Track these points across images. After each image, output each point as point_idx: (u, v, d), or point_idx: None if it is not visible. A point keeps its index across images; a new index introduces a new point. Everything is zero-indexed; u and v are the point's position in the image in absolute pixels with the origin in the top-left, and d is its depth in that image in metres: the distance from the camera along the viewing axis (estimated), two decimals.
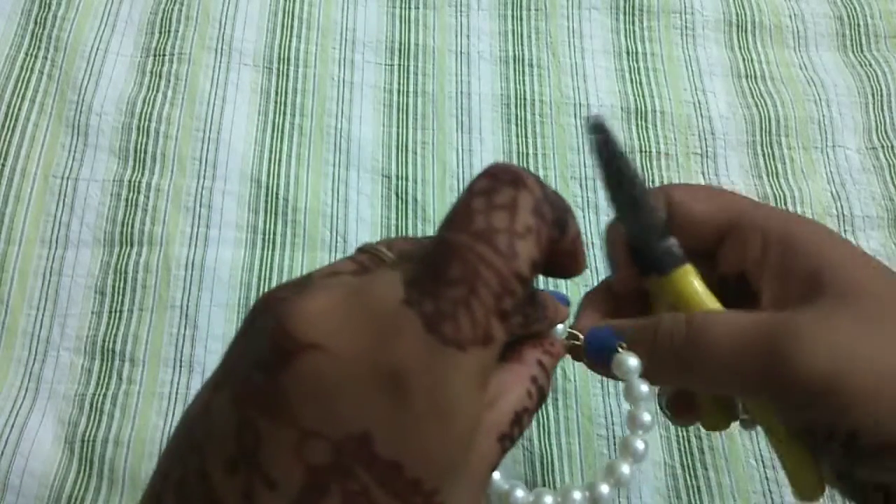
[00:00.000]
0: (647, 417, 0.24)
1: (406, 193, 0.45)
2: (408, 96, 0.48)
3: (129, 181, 0.44)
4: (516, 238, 0.17)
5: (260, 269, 0.42)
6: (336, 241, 0.43)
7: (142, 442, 0.38)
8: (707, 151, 0.47)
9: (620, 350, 0.24)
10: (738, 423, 0.26)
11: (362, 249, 0.21)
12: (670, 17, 0.52)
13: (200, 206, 0.43)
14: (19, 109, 0.45)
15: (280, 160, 0.45)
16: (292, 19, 0.50)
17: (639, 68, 0.50)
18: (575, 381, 0.40)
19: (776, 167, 0.47)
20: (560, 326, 0.24)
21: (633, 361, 0.23)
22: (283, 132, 0.46)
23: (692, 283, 0.24)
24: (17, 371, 0.39)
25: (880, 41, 0.52)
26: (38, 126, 0.45)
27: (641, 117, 0.48)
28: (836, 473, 0.22)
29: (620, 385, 0.40)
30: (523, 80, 0.49)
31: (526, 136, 0.47)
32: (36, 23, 0.48)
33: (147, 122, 0.46)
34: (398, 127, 0.47)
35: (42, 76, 0.47)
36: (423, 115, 0.48)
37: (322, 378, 0.16)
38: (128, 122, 0.46)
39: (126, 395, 0.39)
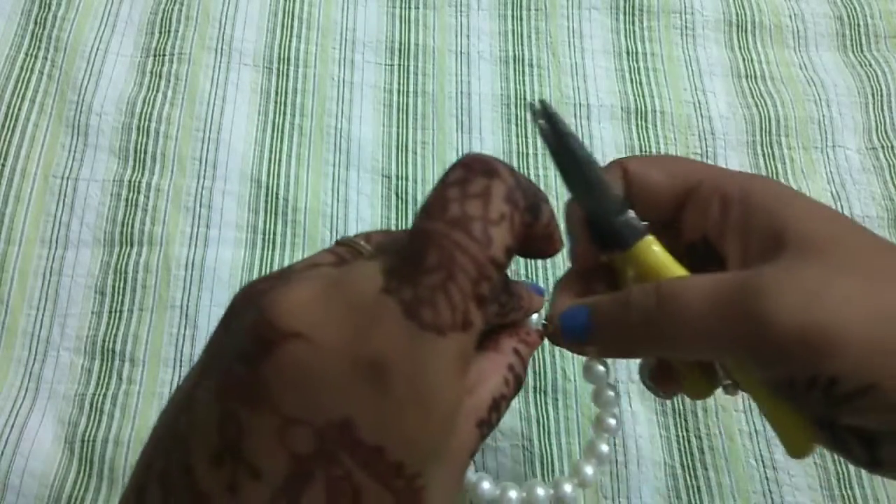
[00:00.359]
0: (612, 422, 0.24)
1: (406, 193, 0.45)
2: (408, 96, 0.48)
3: (129, 181, 0.44)
4: (490, 225, 0.17)
5: (260, 269, 0.42)
6: (335, 242, 0.43)
7: (142, 442, 0.38)
8: (707, 151, 0.47)
9: (589, 358, 0.24)
10: (723, 391, 0.26)
11: (340, 242, 0.22)
12: (670, 17, 0.52)
13: (200, 206, 0.43)
14: (19, 109, 0.45)
15: (280, 160, 0.45)
16: (292, 19, 0.50)
17: (639, 68, 0.50)
18: (575, 381, 0.40)
19: (776, 167, 0.47)
20: (535, 316, 0.24)
21: (600, 368, 0.24)
22: (283, 132, 0.46)
23: (655, 252, 0.24)
24: (17, 371, 0.39)
25: (880, 41, 0.52)
26: (38, 126, 0.45)
27: (641, 117, 0.48)
28: (819, 424, 0.22)
29: (616, 385, 0.40)
30: (523, 80, 0.49)
31: (526, 136, 0.47)
32: (36, 23, 0.48)
33: (147, 122, 0.46)
34: (398, 127, 0.47)
35: (42, 76, 0.47)
36: (423, 115, 0.48)
37: (304, 367, 0.16)
38: (128, 122, 0.46)
39: (126, 395, 0.39)
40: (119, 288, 0.41)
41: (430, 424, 0.16)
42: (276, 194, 0.44)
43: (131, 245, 0.42)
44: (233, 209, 0.44)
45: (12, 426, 0.37)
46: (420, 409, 0.16)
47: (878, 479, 0.38)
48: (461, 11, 0.52)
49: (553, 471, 0.38)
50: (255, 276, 0.42)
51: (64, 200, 0.43)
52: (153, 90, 0.47)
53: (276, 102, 0.47)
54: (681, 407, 0.40)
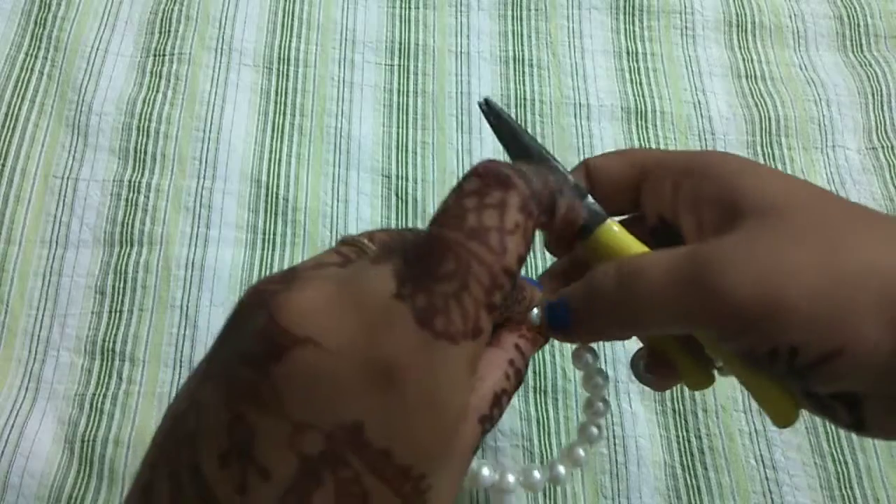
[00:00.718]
0: (601, 405, 0.26)
1: (406, 193, 0.45)
2: (408, 96, 0.48)
3: (129, 181, 0.44)
4: (506, 235, 0.18)
5: (260, 269, 0.42)
6: (336, 241, 0.43)
7: (142, 442, 0.38)
8: None
9: (579, 346, 0.25)
10: (721, 377, 0.26)
11: (345, 241, 0.22)
12: (670, 17, 0.52)
13: (200, 206, 0.43)
14: (19, 109, 0.45)
15: (280, 160, 0.45)
16: (292, 19, 0.50)
17: (639, 68, 0.50)
18: (575, 381, 0.40)
19: (776, 167, 0.47)
20: (535, 311, 0.25)
21: (588, 355, 0.25)
22: (283, 132, 0.46)
23: (616, 234, 0.24)
24: (17, 371, 0.39)
25: (880, 41, 0.52)
26: (38, 126, 0.45)
27: (641, 117, 0.48)
28: (801, 391, 0.22)
29: (615, 387, 0.40)
30: (523, 80, 0.49)
31: None
32: (36, 23, 0.48)
33: (147, 122, 0.46)
34: (398, 127, 0.47)
35: (42, 76, 0.47)
36: (423, 115, 0.48)
37: (315, 372, 0.16)
38: (128, 122, 0.46)
39: (126, 395, 0.39)
40: (119, 288, 0.41)
41: (439, 429, 0.17)
42: (276, 194, 0.44)
43: (131, 245, 0.42)
44: (233, 209, 0.44)
45: (12, 426, 0.37)
46: (430, 414, 0.16)
47: (878, 479, 0.38)
48: (461, 11, 0.52)
49: None
50: (255, 276, 0.42)
51: (64, 200, 0.43)
52: (153, 90, 0.47)
53: (276, 102, 0.47)
54: (681, 407, 0.40)
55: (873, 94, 0.50)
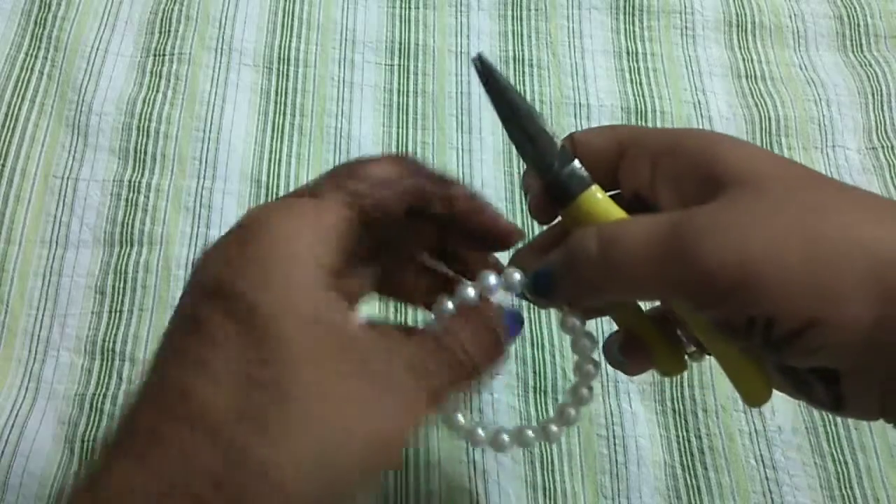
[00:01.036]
0: (590, 367, 0.26)
1: None
2: (408, 96, 0.48)
3: (129, 181, 0.44)
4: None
5: None
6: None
7: None
8: None
9: (565, 310, 0.26)
10: (699, 367, 0.27)
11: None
12: (670, 17, 0.52)
13: (200, 206, 0.43)
14: (19, 109, 0.45)
15: (280, 160, 0.45)
16: (292, 19, 0.50)
17: (639, 68, 0.50)
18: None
19: None
20: (518, 276, 0.25)
21: (575, 321, 0.26)
22: (283, 132, 0.46)
23: (599, 200, 0.24)
24: (17, 371, 0.39)
25: (880, 41, 0.52)
26: (38, 126, 0.45)
27: (641, 117, 0.48)
28: (779, 369, 0.22)
29: (615, 387, 0.40)
30: (523, 80, 0.49)
31: None
32: (36, 23, 0.48)
33: (147, 122, 0.46)
34: (398, 127, 0.47)
35: (42, 76, 0.47)
36: (423, 115, 0.48)
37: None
38: (128, 122, 0.46)
39: (126, 396, 0.39)
40: (119, 288, 0.41)
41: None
42: (276, 194, 0.44)
43: (131, 245, 0.42)
44: (233, 209, 0.44)
45: (12, 426, 0.37)
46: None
47: (878, 479, 0.38)
48: (461, 11, 0.52)
49: (553, 471, 0.38)
50: None
51: (64, 200, 0.43)
52: (153, 90, 0.47)
53: (276, 102, 0.47)
54: (681, 407, 0.40)
55: (873, 94, 0.50)
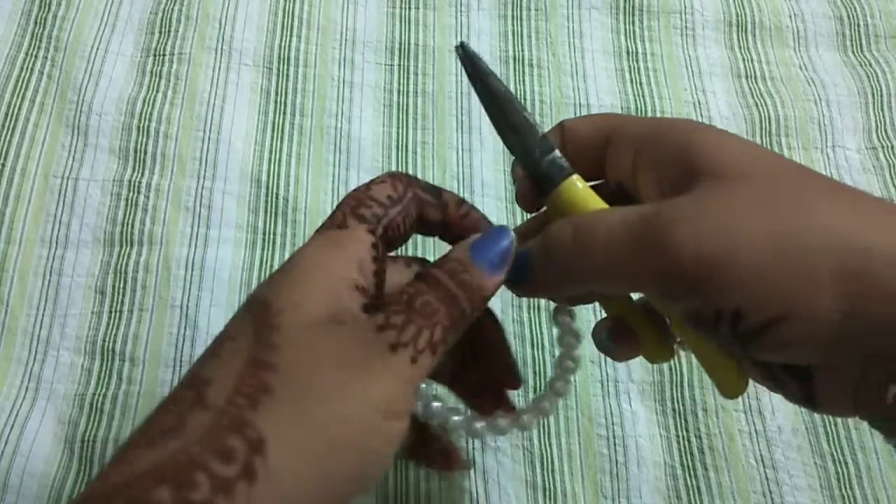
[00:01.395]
0: (570, 363, 0.27)
1: None
2: (408, 96, 0.48)
3: (129, 181, 0.44)
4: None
5: (260, 269, 0.42)
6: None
7: None
8: None
9: (558, 305, 0.26)
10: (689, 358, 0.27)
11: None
12: (670, 17, 0.52)
13: (200, 206, 0.43)
14: (19, 109, 0.45)
15: (280, 160, 0.45)
16: (292, 19, 0.50)
17: (639, 68, 0.50)
18: (575, 381, 0.40)
19: None
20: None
21: (567, 317, 0.26)
22: (283, 132, 0.46)
23: (579, 189, 0.24)
24: (17, 371, 0.39)
25: (880, 41, 0.52)
26: (38, 126, 0.45)
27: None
28: (752, 362, 0.22)
29: (615, 387, 0.40)
30: (523, 80, 0.49)
31: None
32: (36, 23, 0.48)
33: (147, 122, 0.46)
34: (398, 127, 0.47)
35: (42, 76, 0.47)
36: (423, 115, 0.48)
37: None
38: (128, 122, 0.46)
39: (126, 395, 0.39)
40: (119, 288, 0.41)
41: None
42: (276, 194, 0.44)
43: (131, 245, 0.42)
44: (233, 209, 0.44)
45: (12, 426, 0.37)
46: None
47: (878, 479, 0.38)
48: (461, 11, 0.52)
49: (553, 470, 0.38)
50: (256, 276, 0.42)
51: (64, 200, 0.43)
52: (153, 90, 0.47)
53: (276, 102, 0.47)
54: (681, 407, 0.40)
55: (873, 94, 0.50)
